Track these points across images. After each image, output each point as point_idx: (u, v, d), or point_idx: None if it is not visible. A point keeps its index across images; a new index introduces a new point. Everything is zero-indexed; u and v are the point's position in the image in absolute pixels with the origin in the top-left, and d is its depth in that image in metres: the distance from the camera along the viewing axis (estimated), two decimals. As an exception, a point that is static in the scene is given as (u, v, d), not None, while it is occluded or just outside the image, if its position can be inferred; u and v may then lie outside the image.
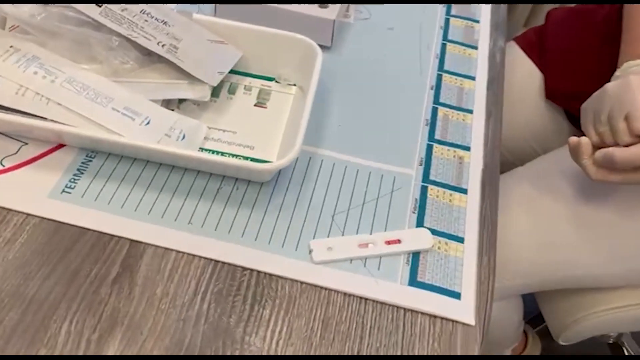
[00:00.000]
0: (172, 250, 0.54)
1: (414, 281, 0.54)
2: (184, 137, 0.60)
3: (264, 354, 0.49)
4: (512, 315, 1.03)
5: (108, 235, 0.54)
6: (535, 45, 0.98)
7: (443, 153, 0.65)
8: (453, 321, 0.53)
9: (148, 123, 0.59)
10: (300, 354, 0.49)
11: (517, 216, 0.83)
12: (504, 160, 1.03)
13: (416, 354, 0.51)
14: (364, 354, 0.50)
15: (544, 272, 0.83)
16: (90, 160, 0.59)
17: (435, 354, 0.51)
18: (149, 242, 0.54)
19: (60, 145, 0.60)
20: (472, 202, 0.61)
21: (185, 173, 0.60)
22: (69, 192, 0.56)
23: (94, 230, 0.54)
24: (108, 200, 0.56)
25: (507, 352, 1.19)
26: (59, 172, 0.58)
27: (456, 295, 0.54)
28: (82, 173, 0.58)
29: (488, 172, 0.65)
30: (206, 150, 0.61)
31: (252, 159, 0.61)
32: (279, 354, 0.49)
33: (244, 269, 0.54)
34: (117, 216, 0.55)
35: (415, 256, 0.56)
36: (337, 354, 0.50)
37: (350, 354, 0.50)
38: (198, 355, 0.48)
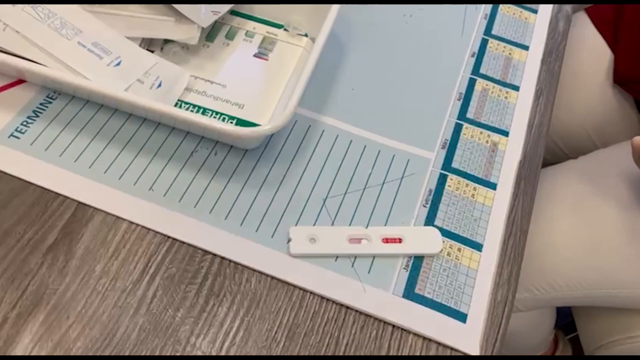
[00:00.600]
0: (124, 219, 0.45)
1: (410, 293, 0.44)
2: (159, 85, 0.50)
3: (210, 361, 0.40)
4: (541, 325, 0.91)
5: (53, 193, 0.46)
6: (609, 20, 0.83)
7: (474, 136, 0.53)
8: (451, 349, 0.42)
9: (118, 64, 0.49)
10: (254, 366, 0.40)
11: (561, 218, 0.71)
12: (554, 149, 0.89)
13: (399, 385, 0.41)
14: (334, 377, 0.41)
15: (584, 288, 0.71)
16: (51, 102, 0.51)
17: (423, 388, 0.41)
18: (99, 206, 0.45)
19: (21, 81, 0.52)
20: (500, 200, 0.50)
21: (158, 128, 0.50)
22: (18, 137, 0.48)
23: (38, 186, 0.46)
24: (61, 151, 0.48)
25: None
26: (11, 112, 0.49)
27: (461, 317, 0.43)
28: (38, 116, 0.50)
29: (527, 165, 0.53)
30: (186, 103, 0.51)
31: (239, 121, 0.51)
32: (228, 364, 0.40)
33: (205, 252, 0.44)
34: (68, 171, 0.47)
35: (417, 261, 0.45)
36: (299, 373, 0.40)
37: (316, 375, 0.41)
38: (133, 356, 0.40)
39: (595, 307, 0.82)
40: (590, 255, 0.70)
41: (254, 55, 0.56)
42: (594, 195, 0.71)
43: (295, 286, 0.44)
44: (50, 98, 0.51)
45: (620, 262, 0.68)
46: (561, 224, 0.72)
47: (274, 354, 0.41)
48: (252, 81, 0.54)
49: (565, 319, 1.10)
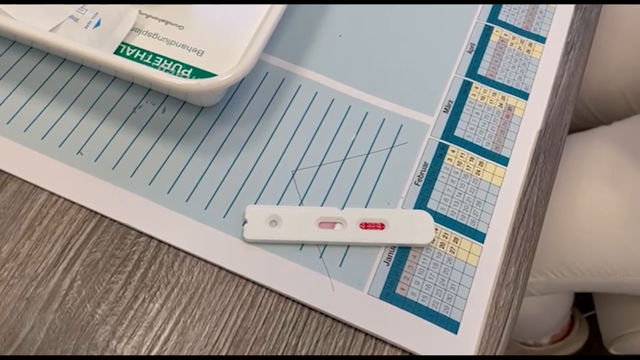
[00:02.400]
0: (43, 189, 0.37)
1: (389, 293, 0.35)
2: (98, 23, 0.41)
3: (133, 372, 0.32)
4: (555, 310, 0.83)
5: (-40, 155, 0.38)
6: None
7: (485, 97, 0.44)
8: (438, 366, 0.34)
9: (46, -3, 0.40)
10: (187, 380, 0.32)
11: (587, 192, 0.62)
12: (584, 113, 0.78)
13: (367, 409, 0.33)
14: (286, 397, 0.33)
15: (608, 274, 0.62)
16: (-31, 42, 0.42)
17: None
18: (14, 172, 0.37)
19: (-63, 15, 0.43)
20: (512, 179, 0.40)
21: (96, 77, 0.41)
22: None
23: (-58, 144, 0.38)
24: (-26, 102, 0.39)
25: (544, 340, 1.00)
26: None
27: (452, 326, 0.35)
28: (-48, 58, 0.41)
29: (549, 136, 0.43)
30: (132, 48, 0.42)
31: (195, 70, 0.42)
32: (154, 376, 0.32)
33: (140, 234, 0.36)
34: (-20, 128, 0.39)
35: (401, 253, 0.37)
36: (244, 390, 0.33)
37: (264, 393, 0.33)
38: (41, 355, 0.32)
39: (618, 294, 0.73)
40: (620, 237, 0.61)
41: (222, -9, 0.46)
42: (628, 167, 0.62)
43: (248, 280, 0.35)
44: (-31, 37, 0.42)
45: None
46: (588, 200, 0.63)
47: (214, 365, 0.33)
48: (216, 23, 0.44)
49: (584, 296, 1.01)
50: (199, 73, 0.41)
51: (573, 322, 1.06)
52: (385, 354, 0.34)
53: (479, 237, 0.38)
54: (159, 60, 0.42)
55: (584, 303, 1.06)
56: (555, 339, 1.01)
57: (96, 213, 0.36)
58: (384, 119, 0.42)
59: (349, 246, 0.37)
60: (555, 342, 1.01)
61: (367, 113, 0.42)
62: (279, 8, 0.40)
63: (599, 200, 0.62)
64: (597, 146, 0.66)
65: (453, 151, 0.41)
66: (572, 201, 0.63)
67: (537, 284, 0.67)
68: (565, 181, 0.65)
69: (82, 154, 0.38)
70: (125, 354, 0.33)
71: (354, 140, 0.41)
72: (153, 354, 0.33)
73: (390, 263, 0.36)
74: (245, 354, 0.33)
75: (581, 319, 1.08)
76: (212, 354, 0.33)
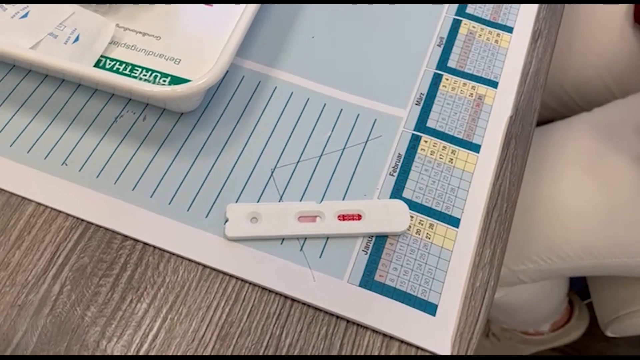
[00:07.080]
0: (30, 200, 0.38)
1: (369, 281, 0.37)
2: (77, 39, 0.42)
3: (123, 369, 0.34)
4: (550, 295, 0.84)
5: (-50, 172, 0.39)
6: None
7: (455, 89, 0.45)
8: (418, 348, 0.35)
9: (25, 15, 0.42)
10: (176, 374, 0.34)
11: (571, 179, 0.63)
12: (567, 102, 0.79)
13: (351, 393, 0.34)
14: (273, 385, 0.34)
15: (595, 257, 0.63)
16: (-46, 64, 0.43)
17: (381, 397, 0.34)
18: (2, 186, 0.39)
19: None
20: (484, 165, 0.42)
21: (78, 90, 0.43)
22: None
23: None
24: (-39, 121, 0.41)
25: (544, 327, 1.00)
26: None
27: (430, 309, 0.36)
28: (-62, 80, 0.43)
29: (519, 122, 0.44)
30: (111, 60, 0.44)
31: (174, 78, 0.43)
32: (144, 372, 0.34)
33: (125, 237, 0.38)
34: (-32, 145, 0.40)
35: (379, 242, 0.38)
36: (231, 381, 0.34)
37: (251, 383, 0.34)
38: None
39: (612, 276, 0.74)
40: (605, 220, 0.62)
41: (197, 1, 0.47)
42: (609, 152, 0.63)
43: (231, 276, 0.37)
44: (-47, 59, 0.44)
45: (639, 227, 0.59)
46: (571, 186, 0.64)
47: (200, 355, 0.34)
48: (192, 32, 0.46)
49: (582, 283, 1.02)
50: (176, 80, 0.43)
51: (572, 308, 1.07)
52: (366, 339, 0.35)
53: (454, 222, 0.39)
54: (137, 70, 0.43)
55: (583, 290, 1.07)
56: (556, 327, 1.02)
57: (82, 220, 0.38)
58: (358, 115, 0.43)
59: (328, 238, 0.38)
60: (555, 330, 1.02)
61: (341, 110, 0.43)
62: (251, 11, 0.41)
63: (581, 186, 0.63)
64: (577, 133, 0.67)
65: (426, 141, 0.42)
66: (555, 188, 0.64)
67: (528, 271, 0.68)
68: (548, 169, 0.66)
69: (66, 165, 0.40)
70: (115, 352, 0.34)
71: (329, 137, 0.42)
72: (142, 351, 0.34)
73: (369, 252, 0.37)
74: (232, 347, 0.34)
75: (580, 306, 1.09)
76: (199, 348, 0.34)
